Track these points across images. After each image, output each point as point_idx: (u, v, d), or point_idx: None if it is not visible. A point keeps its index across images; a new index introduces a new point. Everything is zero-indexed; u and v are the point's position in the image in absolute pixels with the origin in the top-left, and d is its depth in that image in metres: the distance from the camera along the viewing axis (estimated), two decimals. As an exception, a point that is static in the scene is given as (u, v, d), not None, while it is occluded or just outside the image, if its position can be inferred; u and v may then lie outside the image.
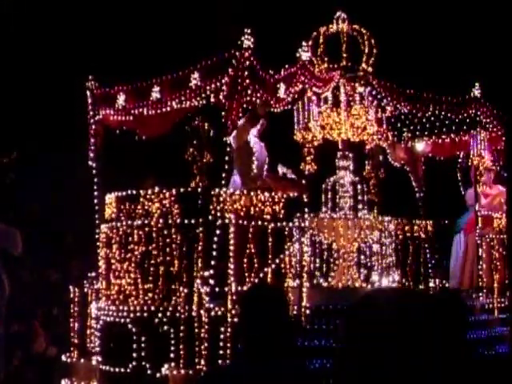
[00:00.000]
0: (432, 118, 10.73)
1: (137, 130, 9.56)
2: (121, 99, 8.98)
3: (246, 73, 7.85)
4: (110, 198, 8.79)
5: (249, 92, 7.94)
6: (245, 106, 8.02)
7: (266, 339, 3.38)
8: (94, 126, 9.41)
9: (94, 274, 9.05)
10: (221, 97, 7.94)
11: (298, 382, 3.43)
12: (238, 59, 7.81)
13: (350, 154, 10.44)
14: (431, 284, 10.98)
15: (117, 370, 8.07)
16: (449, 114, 10.48)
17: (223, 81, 7.87)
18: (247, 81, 7.88)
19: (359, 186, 10.29)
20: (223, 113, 7.92)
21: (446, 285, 11.12)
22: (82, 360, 8.82)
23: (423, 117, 10.72)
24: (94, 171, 9.43)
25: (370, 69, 10.24)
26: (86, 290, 9.10)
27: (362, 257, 10.35)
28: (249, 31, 7.85)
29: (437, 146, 11.52)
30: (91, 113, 9.39)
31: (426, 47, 13.93)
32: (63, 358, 9.10)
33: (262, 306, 3.45)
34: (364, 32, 10.25)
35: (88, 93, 9.42)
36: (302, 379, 3.50)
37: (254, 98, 8.04)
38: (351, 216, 10.07)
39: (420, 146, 11.60)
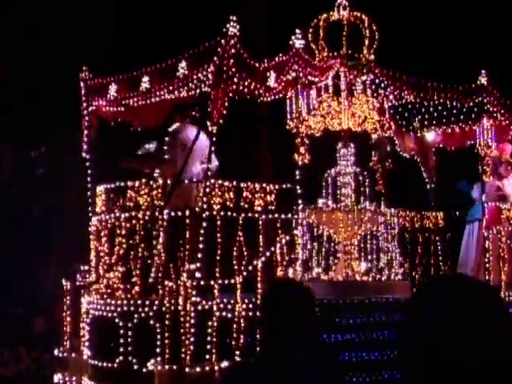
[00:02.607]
0: (439, 107, 10.43)
1: (132, 121, 9.43)
2: (112, 89, 8.83)
3: (232, 61, 7.62)
4: (100, 190, 8.65)
5: (235, 80, 7.72)
6: (231, 94, 7.78)
7: (292, 334, 3.30)
8: (87, 118, 9.27)
9: (86, 268, 8.92)
10: (207, 86, 7.74)
11: (321, 378, 3.34)
12: (223, 47, 7.59)
13: (352, 145, 10.17)
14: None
15: (104, 364, 7.94)
16: (455, 103, 10.16)
17: (209, 69, 7.65)
18: (233, 69, 7.66)
19: (361, 178, 10.04)
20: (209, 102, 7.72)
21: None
22: (74, 354, 8.71)
23: (429, 106, 10.42)
24: (87, 163, 9.30)
25: (371, 57, 9.97)
26: (78, 283, 8.98)
27: (364, 249, 10.09)
28: (234, 18, 7.63)
29: (447, 136, 11.21)
30: (84, 104, 9.26)
31: (431, 34, 13.59)
32: (55, 352, 9.01)
33: (289, 301, 3.38)
34: (365, 19, 9.99)
35: (82, 84, 9.30)
36: (326, 375, 3.40)
37: (241, 87, 7.82)
38: (352, 207, 9.81)
39: (430, 135, 11.31)
